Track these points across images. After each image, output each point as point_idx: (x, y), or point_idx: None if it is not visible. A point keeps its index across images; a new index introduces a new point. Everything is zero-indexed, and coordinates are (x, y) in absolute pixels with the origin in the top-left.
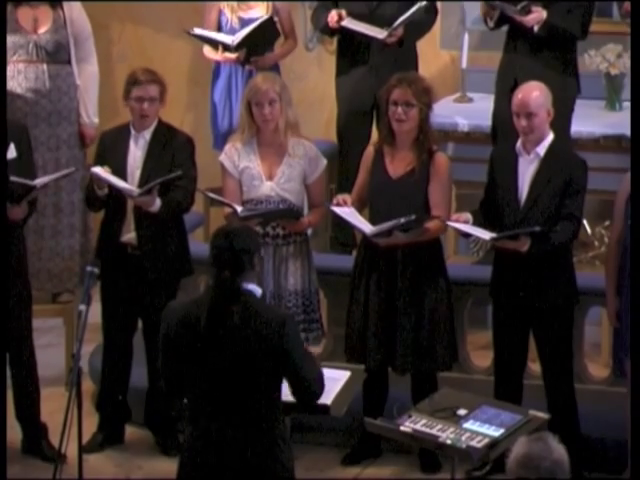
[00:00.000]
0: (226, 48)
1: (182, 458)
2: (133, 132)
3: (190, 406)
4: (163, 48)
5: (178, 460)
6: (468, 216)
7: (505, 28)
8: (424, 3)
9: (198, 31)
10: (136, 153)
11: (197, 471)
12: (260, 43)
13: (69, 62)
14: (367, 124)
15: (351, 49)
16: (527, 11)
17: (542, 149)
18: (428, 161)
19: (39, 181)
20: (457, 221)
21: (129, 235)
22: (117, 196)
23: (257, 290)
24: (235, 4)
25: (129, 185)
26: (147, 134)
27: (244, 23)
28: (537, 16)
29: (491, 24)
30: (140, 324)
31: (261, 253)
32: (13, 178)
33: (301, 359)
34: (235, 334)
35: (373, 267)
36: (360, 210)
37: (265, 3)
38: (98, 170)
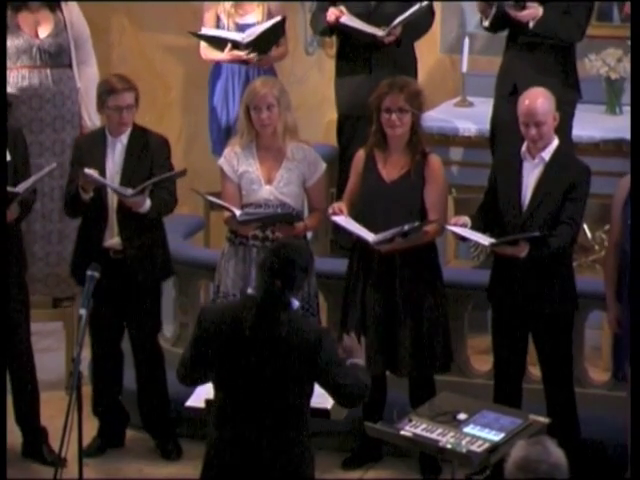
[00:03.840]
0: (235, 46)
1: (207, 459)
2: (109, 137)
3: (218, 408)
4: (162, 51)
5: (203, 461)
6: (466, 219)
7: (505, 33)
8: (425, 3)
9: (205, 31)
10: (114, 157)
11: (223, 473)
12: (268, 43)
13: (70, 65)
14: (367, 127)
15: (351, 52)
16: (523, 7)
17: (547, 154)
18: (422, 163)
19: (21, 186)
20: (456, 224)
21: (112, 240)
22: (99, 201)
23: (295, 303)
24: (232, 10)
25: (121, 187)
26: (124, 138)
27: (240, 28)
28: (533, 12)
29: (486, 23)
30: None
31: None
32: None
33: (336, 369)
34: (274, 341)
35: (369, 272)
36: (352, 216)
37: (261, 9)
38: (91, 172)
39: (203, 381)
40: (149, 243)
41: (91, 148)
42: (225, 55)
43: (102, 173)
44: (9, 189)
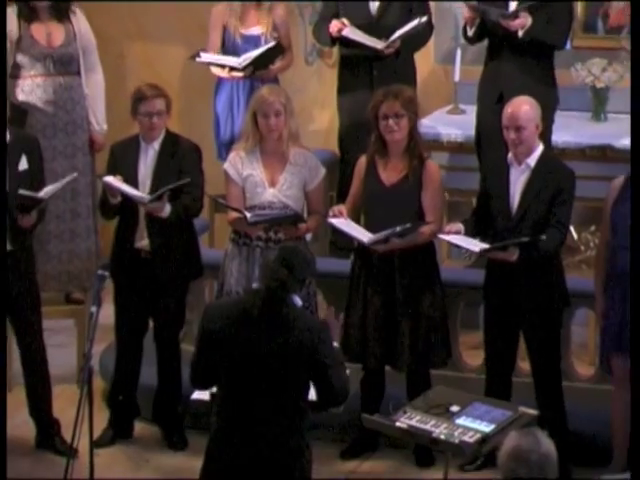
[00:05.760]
0: (233, 68)
1: (209, 450)
2: (142, 144)
3: (221, 400)
4: (169, 62)
5: (205, 452)
6: (460, 226)
7: (486, 42)
8: (424, 19)
9: (205, 57)
10: (146, 163)
11: (224, 462)
12: (266, 61)
13: (79, 73)
14: (368, 135)
15: (353, 62)
16: (515, 17)
17: (532, 160)
18: (420, 168)
19: (45, 192)
20: (449, 232)
21: (143, 242)
22: (130, 204)
23: (298, 301)
24: (237, 22)
25: (140, 192)
26: (156, 144)
27: (245, 39)
28: (523, 21)
29: (470, 32)
30: (151, 325)
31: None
32: (22, 191)
33: (331, 367)
34: (277, 336)
35: (370, 273)
36: (355, 219)
37: (265, 21)
38: (110, 179)
39: (213, 384)
40: (175, 245)
41: (125, 154)
42: (226, 74)
43: (135, 178)
44: (33, 195)
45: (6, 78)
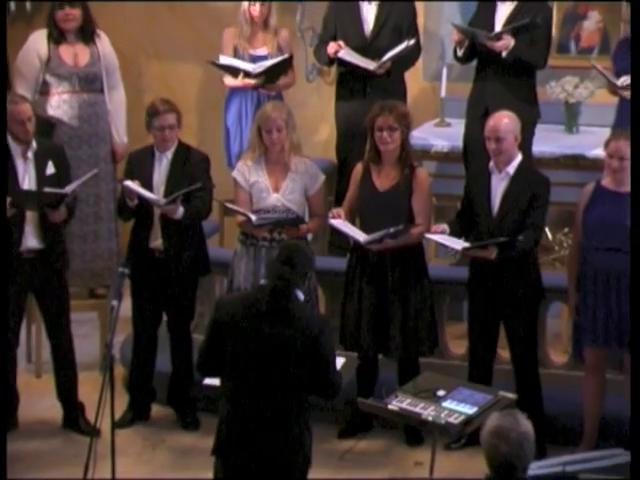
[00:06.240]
0: (246, 75)
1: (219, 432)
2: (157, 153)
3: (230, 388)
4: (183, 80)
5: (215, 433)
6: (445, 227)
7: (474, 63)
8: (412, 42)
9: (223, 60)
10: (160, 170)
11: (233, 443)
12: (275, 74)
13: (102, 90)
14: (362, 145)
15: (349, 80)
16: (498, 37)
17: (512, 168)
18: (410, 176)
19: (68, 188)
20: (435, 232)
21: (157, 242)
22: (145, 207)
23: (301, 295)
24: (246, 44)
25: (156, 196)
26: (169, 154)
27: (253, 59)
28: (506, 43)
29: (460, 53)
30: (165, 318)
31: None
32: (47, 189)
33: (330, 358)
34: (283, 330)
35: (365, 269)
36: (351, 220)
37: (271, 43)
38: (130, 183)
39: (216, 373)
40: (186, 245)
41: (141, 162)
42: (239, 82)
43: (150, 183)
44: (57, 191)
45: (6, 78)
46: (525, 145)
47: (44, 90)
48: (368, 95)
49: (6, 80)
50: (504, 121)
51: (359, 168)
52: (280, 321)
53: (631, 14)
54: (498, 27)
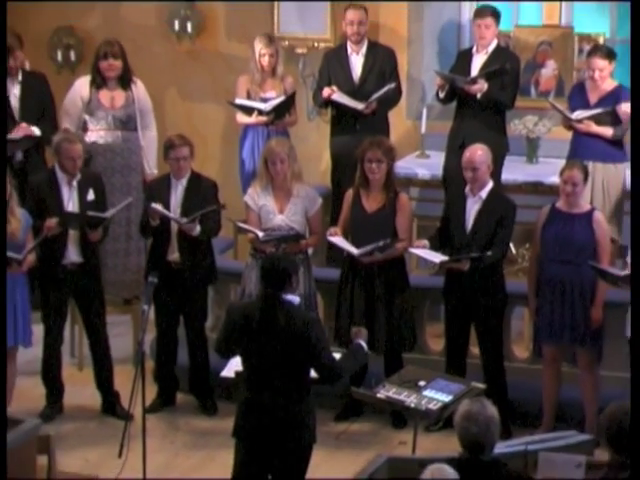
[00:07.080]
0: (259, 112)
1: (238, 414)
2: (173, 180)
3: (245, 377)
4: (204, 117)
5: (235, 415)
6: (426, 242)
7: (454, 104)
8: (393, 85)
9: (239, 101)
10: (176, 195)
11: (251, 422)
12: (283, 110)
13: (136, 129)
14: (353, 173)
15: (341, 119)
16: (473, 82)
17: (484, 193)
18: (394, 199)
19: (108, 213)
20: (418, 247)
21: (174, 255)
22: (163, 226)
23: (295, 299)
24: (257, 88)
25: (177, 217)
26: (184, 181)
27: (263, 100)
28: (480, 86)
29: (441, 95)
30: (182, 319)
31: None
32: (90, 212)
33: (322, 350)
34: (278, 330)
35: (355, 277)
36: (345, 237)
37: (278, 87)
38: (156, 206)
39: (232, 355)
40: (200, 258)
41: (159, 188)
42: (252, 119)
43: (167, 206)
44: (99, 215)
45: (6, 78)
46: (496, 173)
47: (84, 127)
48: (358, 131)
49: (6, 80)
50: (478, 153)
51: (350, 193)
52: (276, 322)
53: (631, 14)
54: (474, 74)
